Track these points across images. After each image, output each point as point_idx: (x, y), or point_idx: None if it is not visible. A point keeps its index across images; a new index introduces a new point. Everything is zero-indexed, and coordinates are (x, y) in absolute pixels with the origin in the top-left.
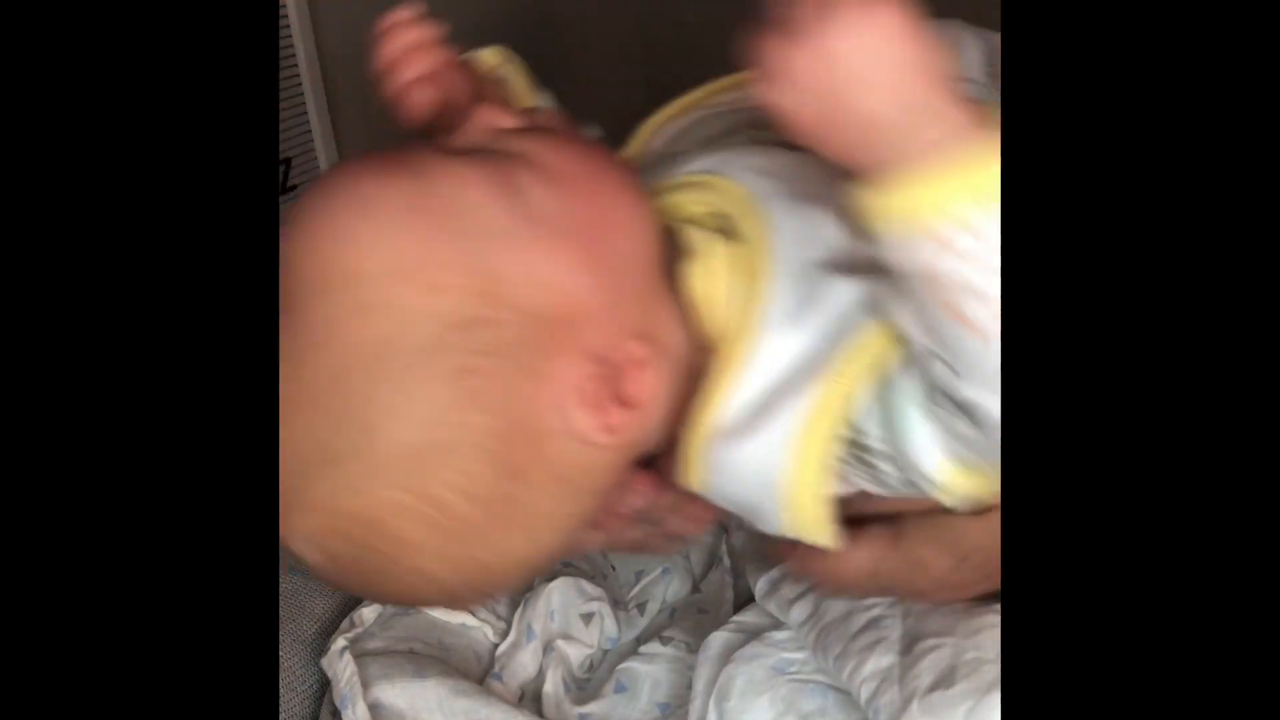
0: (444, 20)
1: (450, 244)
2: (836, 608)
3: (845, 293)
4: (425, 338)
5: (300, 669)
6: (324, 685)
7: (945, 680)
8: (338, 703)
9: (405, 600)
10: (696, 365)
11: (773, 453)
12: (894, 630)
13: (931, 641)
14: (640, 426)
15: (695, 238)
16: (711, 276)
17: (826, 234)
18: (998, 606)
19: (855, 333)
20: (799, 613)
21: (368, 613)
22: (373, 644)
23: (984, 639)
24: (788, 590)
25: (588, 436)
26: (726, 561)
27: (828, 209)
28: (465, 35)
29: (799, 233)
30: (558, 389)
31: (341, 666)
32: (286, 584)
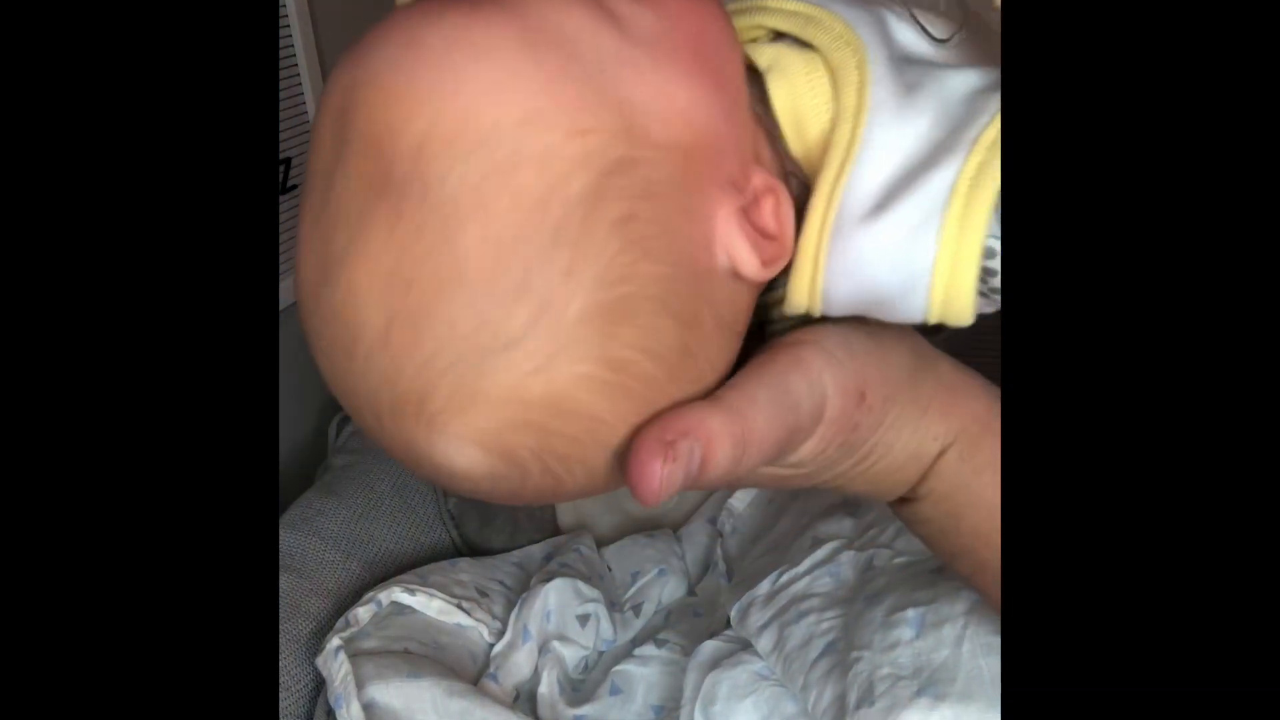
0: None
1: (576, 80)
2: (796, 635)
3: (958, 80)
4: (583, 188)
5: (295, 668)
6: (319, 684)
7: (866, 697)
8: (332, 702)
9: (571, 494)
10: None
11: (919, 220)
12: (847, 653)
13: (855, 654)
14: (784, 258)
15: (763, 53)
16: (793, 88)
17: (907, 37)
18: (909, 615)
19: (984, 110)
20: (766, 641)
21: (363, 612)
22: (367, 644)
23: (899, 654)
24: (756, 617)
25: (749, 272)
26: (721, 565)
27: (898, 13)
28: None
29: (879, 34)
30: (712, 226)
31: (336, 666)
32: (282, 584)
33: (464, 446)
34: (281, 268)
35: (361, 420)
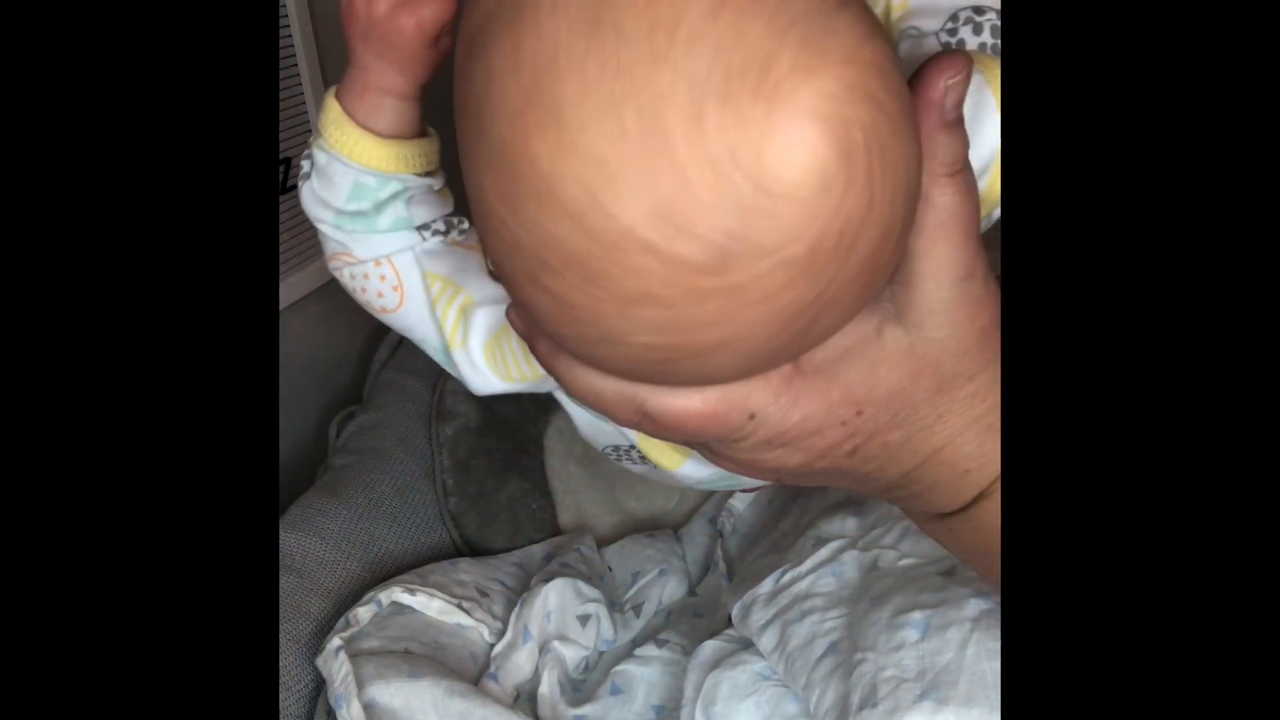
0: None
1: None
2: (799, 634)
3: None
4: None
5: (296, 668)
6: (319, 685)
7: (869, 699)
8: (332, 702)
9: (867, 250)
10: None
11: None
12: (851, 653)
13: (859, 655)
14: None
15: None
16: None
17: None
18: (915, 618)
19: None
20: (768, 640)
21: (363, 612)
22: (368, 644)
23: (903, 656)
24: (758, 615)
25: None
26: (722, 565)
27: None
28: None
29: None
30: None
31: (336, 666)
32: (283, 584)
33: (808, 124)
34: (282, 268)
35: (651, 143)
